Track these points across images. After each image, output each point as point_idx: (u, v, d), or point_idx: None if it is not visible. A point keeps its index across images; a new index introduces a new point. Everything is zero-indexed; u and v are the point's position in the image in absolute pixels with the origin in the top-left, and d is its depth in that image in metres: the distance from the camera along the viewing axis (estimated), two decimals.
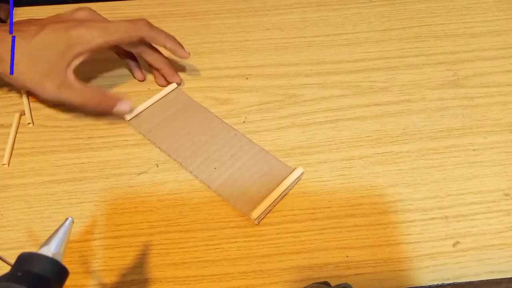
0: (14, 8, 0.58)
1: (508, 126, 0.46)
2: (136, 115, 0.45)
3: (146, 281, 0.36)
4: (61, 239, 0.26)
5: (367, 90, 0.49)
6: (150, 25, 0.44)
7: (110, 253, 0.38)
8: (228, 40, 0.54)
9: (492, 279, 0.36)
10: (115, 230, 0.39)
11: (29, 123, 0.46)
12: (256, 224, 0.39)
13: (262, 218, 0.39)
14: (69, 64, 0.41)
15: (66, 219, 0.28)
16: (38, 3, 0.58)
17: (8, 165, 0.43)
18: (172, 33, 0.45)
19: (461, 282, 0.36)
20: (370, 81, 0.50)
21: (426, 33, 0.54)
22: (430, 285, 0.36)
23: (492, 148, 0.44)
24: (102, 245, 0.38)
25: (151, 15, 0.57)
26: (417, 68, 0.51)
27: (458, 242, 0.38)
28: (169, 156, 0.43)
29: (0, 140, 0.45)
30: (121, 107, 0.43)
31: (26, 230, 0.39)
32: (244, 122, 0.46)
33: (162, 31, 0.45)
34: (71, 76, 0.41)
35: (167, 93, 0.47)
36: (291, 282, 0.36)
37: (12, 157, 0.44)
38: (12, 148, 0.44)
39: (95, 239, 0.38)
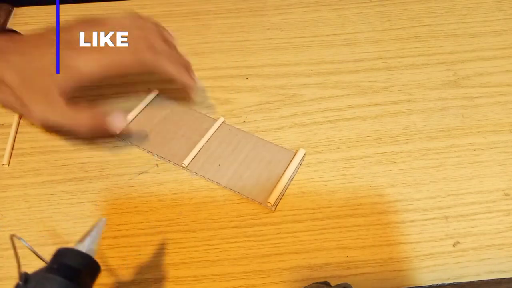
0: (14, 8, 0.58)
1: (508, 126, 0.46)
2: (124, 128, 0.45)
3: (146, 281, 0.36)
4: (94, 237, 0.28)
5: (367, 90, 0.49)
6: (155, 53, 0.41)
7: (110, 253, 0.38)
8: (228, 40, 0.54)
9: (492, 279, 0.36)
10: (115, 230, 0.39)
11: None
12: (273, 211, 0.40)
13: (277, 204, 0.40)
14: (62, 92, 0.38)
15: (100, 219, 0.30)
16: (38, 3, 0.58)
17: (8, 165, 0.43)
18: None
19: (461, 282, 0.36)
20: (370, 81, 0.50)
21: (426, 33, 0.54)
22: (430, 285, 0.36)
23: (492, 148, 0.44)
24: (102, 245, 0.38)
25: (151, 15, 0.57)
26: (417, 68, 0.51)
27: (458, 242, 0.38)
28: (170, 161, 0.43)
29: (0, 140, 0.45)
30: (115, 122, 0.40)
31: (26, 230, 0.39)
32: (244, 122, 0.46)
33: (170, 60, 0.42)
34: (61, 99, 0.38)
35: (149, 101, 0.47)
36: (291, 282, 0.36)
37: (12, 157, 0.44)
38: (12, 148, 0.44)
39: None
